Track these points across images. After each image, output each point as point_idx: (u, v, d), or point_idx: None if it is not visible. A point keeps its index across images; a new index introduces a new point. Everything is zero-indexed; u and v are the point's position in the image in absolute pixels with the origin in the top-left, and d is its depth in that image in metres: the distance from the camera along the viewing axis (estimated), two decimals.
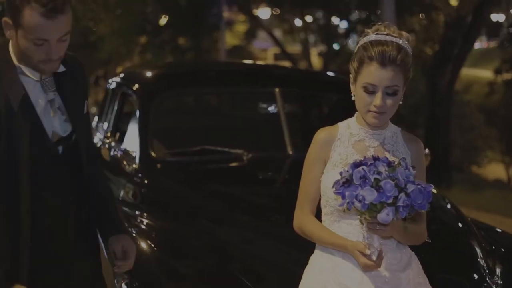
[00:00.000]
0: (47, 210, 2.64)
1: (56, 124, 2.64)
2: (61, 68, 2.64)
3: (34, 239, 2.59)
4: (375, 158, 2.43)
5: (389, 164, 2.42)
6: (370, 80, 2.59)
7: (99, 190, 2.86)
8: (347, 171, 2.43)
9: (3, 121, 2.49)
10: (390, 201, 2.36)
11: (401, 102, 2.67)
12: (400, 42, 2.62)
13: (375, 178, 2.38)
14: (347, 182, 2.41)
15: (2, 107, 2.50)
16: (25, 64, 2.56)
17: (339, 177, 2.46)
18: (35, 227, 2.59)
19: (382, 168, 2.40)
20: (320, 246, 2.73)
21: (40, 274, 2.63)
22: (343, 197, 2.41)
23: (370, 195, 2.36)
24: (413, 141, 2.77)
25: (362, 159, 2.45)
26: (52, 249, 2.68)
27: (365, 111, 2.65)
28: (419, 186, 2.40)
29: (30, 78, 2.57)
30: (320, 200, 2.74)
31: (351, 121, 2.76)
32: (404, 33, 2.68)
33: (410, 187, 2.38)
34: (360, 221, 2.50)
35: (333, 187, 2.47)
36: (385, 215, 2.37)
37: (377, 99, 2.60)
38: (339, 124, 2.77)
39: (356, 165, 2.42)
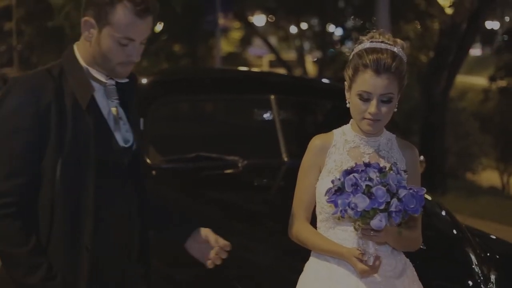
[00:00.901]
0: (114, 220, 2.59)
1: (118, 133, 2.62)
2: (125, 79, 2.63)
3: (96, 247, 2.52)
4: (366, 165, 2.44)
5: (380, 170, 2.42)
6: (365, 88, 2.60)
7: (155, 202, 2.83)
8: (339, 179, 2.43)
9: (68, 121, 2.47)
10: (382, 207, 2.36)
11: (396, 109, 2.68)
12: (395, 49, 2.63)
13: (366, 185, 2.38)
14: (339, 190, 2.41)
15: (68, 106, 2.48)
16: (97, 67, 2.54)
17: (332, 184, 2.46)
18: (98, 234, 2.53)
19: (373, 175, 2.40)
20: (315, 253, 2.73)
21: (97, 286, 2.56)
22: (336, 205, 2.41)
23: (362, 202, 2.36)
24: (408, 147, 2.78)
25: (354, 166, 2.46)
26: (113, 263, 2.61)
27: (360, 119, 2.65)
28: (411, 191, 2.40)
29: (95, 83, 2.55)
30: (315, 207, 2.75)
31: (346, 128, 2.76)
32: (398, 40, 2.69)
33: (402, 192, 2.39)
34: (354, 228, 2.50)
35: (325, 195, 2.47)
36: (378, 221, 2.38)
37: (372, 106, 2.60)
38: (334, 131, 2.78)
39: (347, 172, 2.43)
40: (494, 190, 17.50)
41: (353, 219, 2.43)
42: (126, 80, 2.63)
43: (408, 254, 2.76)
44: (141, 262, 2.71)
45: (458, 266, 3.52)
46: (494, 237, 4.22)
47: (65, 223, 2.48)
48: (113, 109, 2.61)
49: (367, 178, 2.39)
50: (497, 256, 3.79)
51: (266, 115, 5.13)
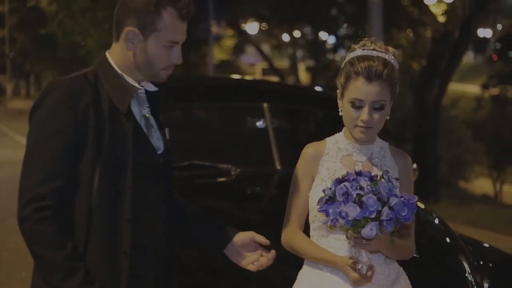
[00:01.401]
0: (149, 225, 2.58)
1: (151, 139, 2.63)
2: (153, 88, 2.65)
3: (134, 254, 2.50)
4: (357, 173, 2.43)
5: (371, 179, 2.42)
6: (356, 95, 2.60)
7: (191, 210, 2.84)
8: (330, 188, 2.43)
9: (106, 125, 2.47)
10: (373, 216, 2.36)
11: (388, 117, 2.68)
12: (386, 57, 2.63)
13: (357, 194, 2.37)
14: (330, 199, 2.41)
15: (105, 111, 2.48)
16: (133, 74, 2.56)
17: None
18: (135, 239, 2.51)
19: (364, 183, 2.40)
20: (308, 262, 2.73)
21: None
22: (327, 214, 2.40)
23: (353, 211, 2.36)
24: (400, 155, 2.78)
25: (346, 174, 2.45)
26: (149, 269, 2.59)
27: (352, 126, 2.65)
28: (402, 199, 2.39)
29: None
30: (308, 215, 2.74)
31: (339, 136, 2.76)
32: (390, 48, 2.69)
33: (393, 200, 2.38)
34: (347, 236, 2.50)
35: (317, 204, 2.47)
36: (368, 230, 2.37)
37: (364, 114, 2.60)
38: (327, 139, 2.77)
39: (339, 181, 2.42)
40: (487, 198, 17.54)
41: (345, 228, 2.42)
42: (156, 89, 2.65)
43: (401, 263, 2.76)
44: (168, 269, 2.69)
45: (451, 275, 3.52)
46: (487, 245, 4.22)
47: (103, 228, 2.46)
48: (147, 116, 2.62)
49: (358, 187, 2.39)
50: (490, 264, 3.79)
51: (259, 123, 5.13)
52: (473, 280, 3.45)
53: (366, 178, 2.41)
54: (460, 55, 13.46)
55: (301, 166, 2.75)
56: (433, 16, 14.19)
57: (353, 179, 2.40)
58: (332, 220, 2.39)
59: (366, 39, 2.71)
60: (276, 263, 3.34)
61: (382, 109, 2.63)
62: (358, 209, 2.35)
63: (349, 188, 2.38)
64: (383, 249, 2.58)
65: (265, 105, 5.01)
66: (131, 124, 2.53)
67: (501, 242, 7.46)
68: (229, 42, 27.72)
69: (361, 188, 2.38)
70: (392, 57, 2.66)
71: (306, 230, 2.75)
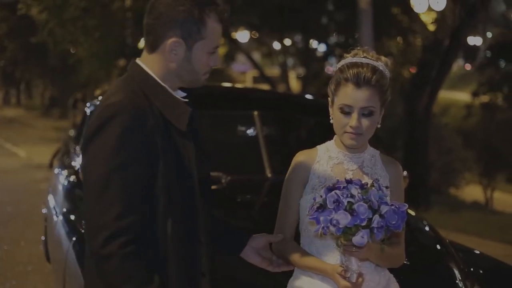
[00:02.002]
0: (210, 241, 2.55)
1: None
2: (182, 94, 2.56)
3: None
4: (348, 181, 2.44)
5: (362, 187, 2.42)
6: (345, 101, 2.61)
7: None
8: (321, 196, 2.43)
9: (168, 143, 2.39)
10: (364, 223, 2.36)
11: (379, 125, 2.68)
12: (376, 64, 2.64)
13: (348, 202, 2.38)
14: (321, 207, 2.41)
15: (163, 128, 2.40)
16: (174, 83, 2.48)
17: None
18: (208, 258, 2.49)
19: (355, 191, 2.40)
20: (299, 269, 2.72)
21: None
22: (318, 222, 2.40)
23: (344, 219, 2.36)
24: (391, 163, 2.78)
25: (336, 182, 2.45)
26: (210, 282, 2.55)
27: (341, 133, 2.66)
28: (393, 207, 2.40)
29: None
30: (298, 223, 2.74)
31: (329, 144, 2.76)
32: (382, 57, 2.70)
33: (384, 208, 2.38)
34: (337, 244, 2.50)
35: (308, 212, 2.47)
36: (359, 238, 2.37)
37: (353, 119, 2.61)
38: (318, 147, 2.78)
39: (329, 189, 2.42)
40: (477, 205, 17.56)
41: (336, 236, 2.42)
42: (185, 94, 2.57)
43: (392, 270, 2.76)
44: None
45: (442, 281, 3.52)
46: (478, 252, 4.23)
47: (180, 252, 2.41)
48: None
49: (349, 195, 2.39)
50: (481, 271, 3.80)
51: (250, 131, 5.13)
52: (463, 287, 3.46)
53: (357, 186, 2.41)
54: (450, 63, 13.50)
55: (292, 174, 2.75)
56: (423, 24, 14.24)
57: (344, 187, 2.41)
58: (323, 228, 2.39)
59: (358, 48, 2.72)
60: (266, 271, 3.34)
61: (371, 115, 2.63)
62: (349, 217, 2.35)
63: (340, 196, 2.38)
64: (373, 257, 2.58)
65: (256, 113, 5.01)
66: (191, 142, 2.47)
67: (491, 249, 7.47)
68: (220, 50, 27.63)
69: (352, 196, 2.39)
70: (383, 65, 2.66)
71: (297, 237, 2.75)
